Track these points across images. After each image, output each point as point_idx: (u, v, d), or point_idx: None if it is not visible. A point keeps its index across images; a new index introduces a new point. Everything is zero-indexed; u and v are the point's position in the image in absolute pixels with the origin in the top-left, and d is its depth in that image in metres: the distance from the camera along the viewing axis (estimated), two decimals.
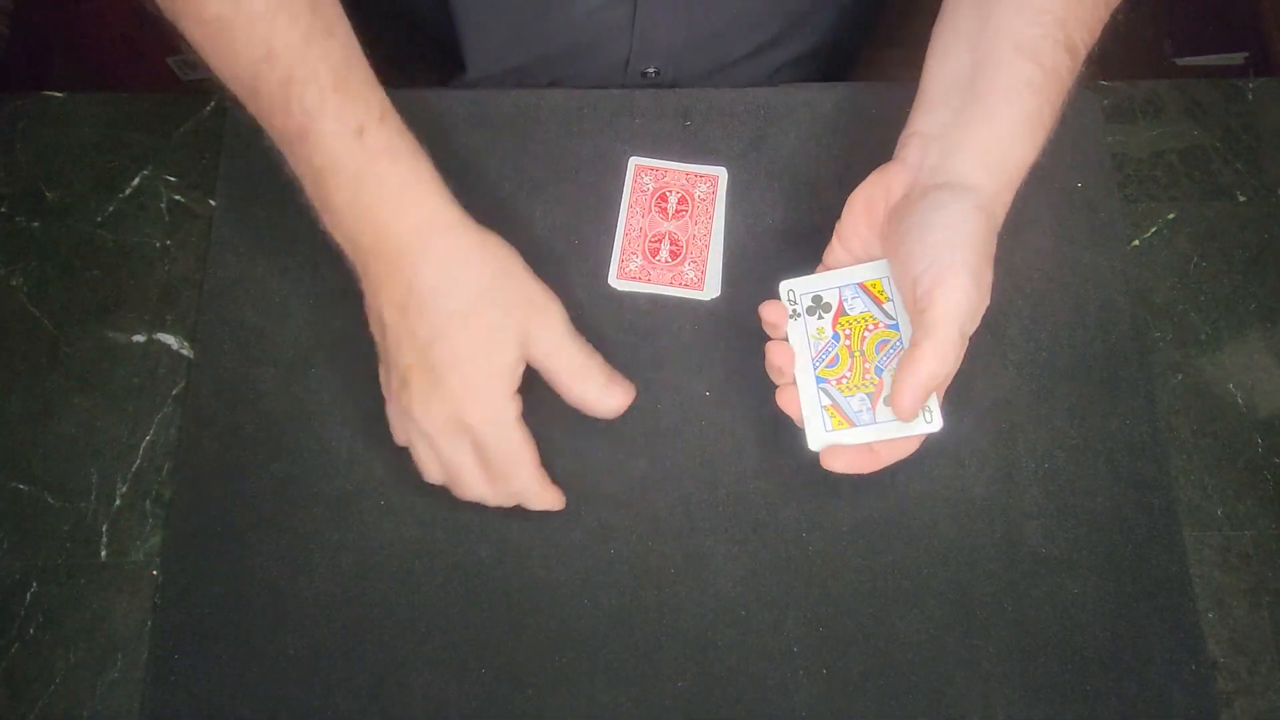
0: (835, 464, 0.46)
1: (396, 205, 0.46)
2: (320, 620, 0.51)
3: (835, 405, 0.47)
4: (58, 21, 1.35)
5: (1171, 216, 0.60)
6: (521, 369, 0.48)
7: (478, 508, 0.52)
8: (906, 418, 0.42)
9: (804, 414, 0.48)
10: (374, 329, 0.50)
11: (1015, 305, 0.56)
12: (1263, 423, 0.55)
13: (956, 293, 0.41)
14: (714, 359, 0.55)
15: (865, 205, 0.48)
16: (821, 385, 0.48)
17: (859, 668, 0.50)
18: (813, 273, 0.50)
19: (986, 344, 0.56)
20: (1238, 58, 1.45)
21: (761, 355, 0.49)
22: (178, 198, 0.59)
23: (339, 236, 0.48)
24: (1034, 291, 0.57)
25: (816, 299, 0.49)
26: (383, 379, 0.51)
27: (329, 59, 0.45)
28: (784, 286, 0.49)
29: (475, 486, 0.49)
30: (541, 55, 0.48)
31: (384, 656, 0.50)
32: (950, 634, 0.51)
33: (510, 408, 0.48)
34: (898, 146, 0.49)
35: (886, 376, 0.46)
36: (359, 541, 0.52)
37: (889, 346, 0.47)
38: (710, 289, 0.57)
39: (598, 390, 0.50)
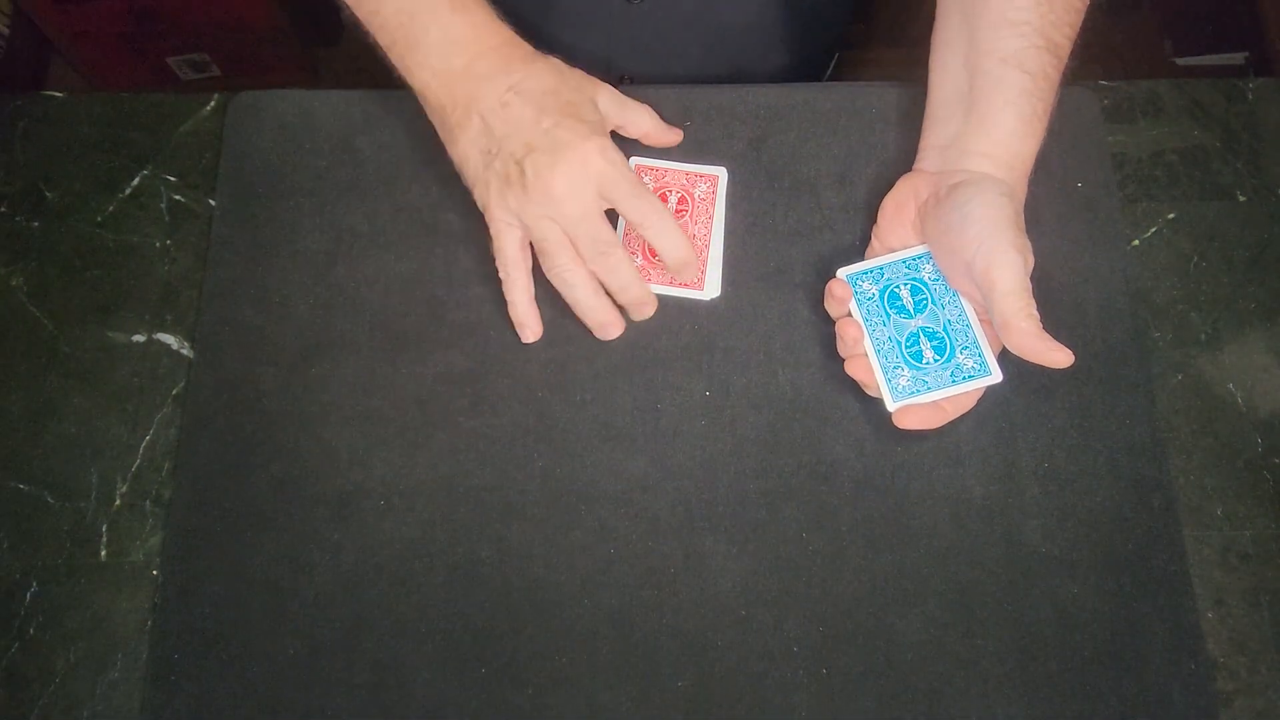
0: (908, 421, 0.51)
1: (485, 31, 0.54)
2: (320, 620, 0.51)
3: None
4: (58, 21, 1.35)
5: (1171, 216, 0.60)
6: (608, 125, 0.57)
7: (475, 508, 0.52)
8: (1040, 358, 0.48)
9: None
10: (467, 146, 0.54)
11: None
12: (1263, 423, 0.55)
13: (1009, 268, 0.48)
14: (714, 359, 0.55)
15: (896, 208, 0.55)
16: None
17: (859, 668, 0.50)
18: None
19: None
20: (1238, 58, 1.45)
21: (817, 329, 0.52)
22: (178, 198, 0.60)
23: (424, 74, 0.54)
24: (1034, 291, 0.56)
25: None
26: (480, 198, 0.54)
27: None
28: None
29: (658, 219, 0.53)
30: None
31: (384, 656, 0.50)
32: (950, 634, 0.51)
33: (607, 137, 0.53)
34: (916, 159, 0.55)
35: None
36: (359, 541, 0.52)
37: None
38: (710, 289, 0.57)
39: (657, 123, 0.58)
